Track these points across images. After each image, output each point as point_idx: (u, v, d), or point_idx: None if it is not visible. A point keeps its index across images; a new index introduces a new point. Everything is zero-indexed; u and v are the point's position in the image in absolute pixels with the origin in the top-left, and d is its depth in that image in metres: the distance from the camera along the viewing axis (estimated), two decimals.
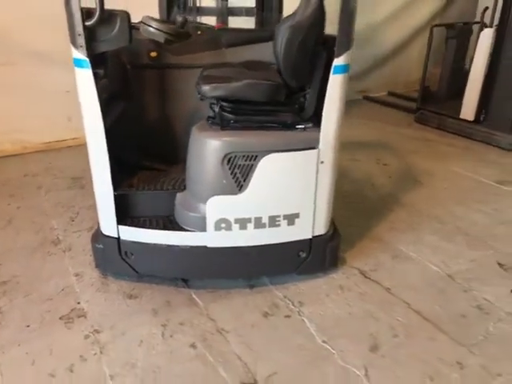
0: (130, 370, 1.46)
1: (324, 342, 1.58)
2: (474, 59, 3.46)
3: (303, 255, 1.80)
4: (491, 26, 3.36)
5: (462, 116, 3.62)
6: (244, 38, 1.80)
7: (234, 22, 2.33)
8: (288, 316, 1.70)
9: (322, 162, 1.64)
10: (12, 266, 1.96)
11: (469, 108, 3.57)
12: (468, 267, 1.99)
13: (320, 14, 1.51)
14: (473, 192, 2.69)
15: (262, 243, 1.72)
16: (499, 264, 2.01)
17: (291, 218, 1.70)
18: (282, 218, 1.69)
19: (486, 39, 3.36)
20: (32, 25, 2.59)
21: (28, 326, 1.63)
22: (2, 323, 1.65)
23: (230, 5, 2.14)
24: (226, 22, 2.18)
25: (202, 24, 1.98)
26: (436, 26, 3.83)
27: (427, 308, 1.74)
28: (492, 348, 1.56)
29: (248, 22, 2.29)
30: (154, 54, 1.75)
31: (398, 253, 2.09)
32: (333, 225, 1.89)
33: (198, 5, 2.11)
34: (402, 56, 4.98)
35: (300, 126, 1.62)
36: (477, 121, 3.54)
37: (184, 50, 1.75)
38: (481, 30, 3.42)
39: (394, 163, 3.13)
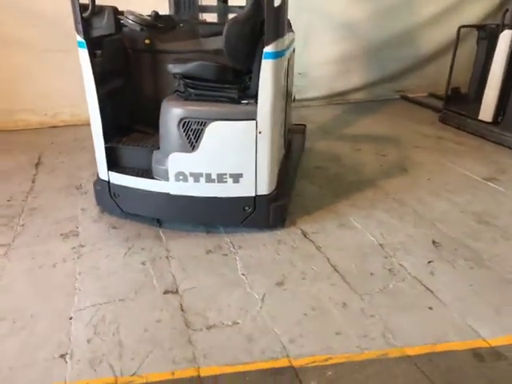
0: (93, 271, 1.97)
1: (243, 274, 1.95)
2: (493, 60, 3.48)
3: (248, 210, 2.17)
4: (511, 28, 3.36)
5: (480, 117, 3.64)
6: (215, 30, 2.22)
7: None
8: (225, 254, 2.09)
9: (259, 132, 2.00)
10: (42, 199, 2.61)
11: (487, 109, 3.58)
12: (402, 240, 2.20)
13: (255, 11, 1.88)
14: (453, 184, 2.80)
15: (213, 195, 2.13)
16: (433, 242, 2.19)
17: (236, 177, 2.09)
18: (228, 176, 2.09)
19: (505, 40, 3.37)
20: None
21: (38, 236, 2.24)
22: (22, 233, 2.27)
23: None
24: (225, 18, 2.61)
25: (185, 18, 2.44)
26: (464, 26, 3.86)
27: (343, 264, 2.02)
28: (381, 298, 1.80)
29: None
30: (147, 41, 2.25)
31: (345, 223, 2.36)
32: (279, 188, 2.23)
33: (200, 3, 2.58)
34: (446, 57, 4.96)
35: (244, 102, 2.00)
36: (494, 122, 3.55)
37: (170, 38, 2.24)
38: (501, 31, 3.43)
39: (393, 155, 3.31)
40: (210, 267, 2.00)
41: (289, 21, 2.37)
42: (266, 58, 1.87)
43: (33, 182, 2.84)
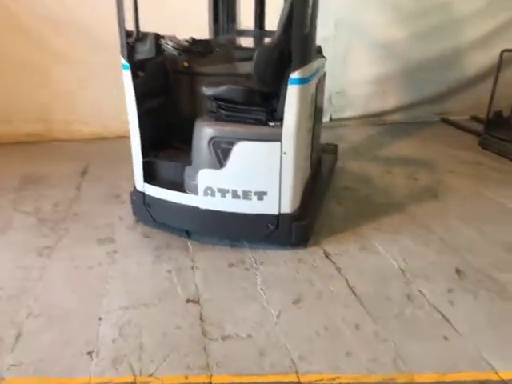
0: (123, 276, 2.12)
1: (261, 289, 2.03)
2: None
3: (271, 227, 2.26)
4: None
5: None
6: (248, 55, 2.33)
7: None
8: (247, 269, 2.18)
9: (284, 153, 2.09)
10: (85, 206, 2.83)
11: None
12: (424, 267, 2.20)
13: (283, 38, 1.98)
14: (485, 212, 2.75)
15: (238, 211, 2.24)
16: (457, 270, 2.17)
17: (260, 195, 2.19)
18: (253, 193, 2.19)
19: None
20: None
21: (78, 240, 2.43)
22: (65, 236, 2.47)
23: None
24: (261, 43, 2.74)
25: (223, 43, 2.58)
26: (507, 50, 3.78)
27: (361, 287, 2.05)
28: (396, 324, 1.82)
29: None
30: (186, 64, 2.41)
31: (368, 246, 2.38)
32: (303, 207, 2.30)
33: (238, 28, 2.73)
34: (490, 81, 4.84)
35: (271, 124, 2.11)
36: None
37: (206, 62, 2.39)
38: None
39: (425, 179, 3.28)
40: (231, 280, 2.10)
41: (319, 47, 2.47)
42: (292, 83, 1.97)
43: (78, 189, 3.07)
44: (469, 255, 2.28)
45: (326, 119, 4.60)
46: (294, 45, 1.90)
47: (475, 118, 4.84)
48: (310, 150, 2.42)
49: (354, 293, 2.00)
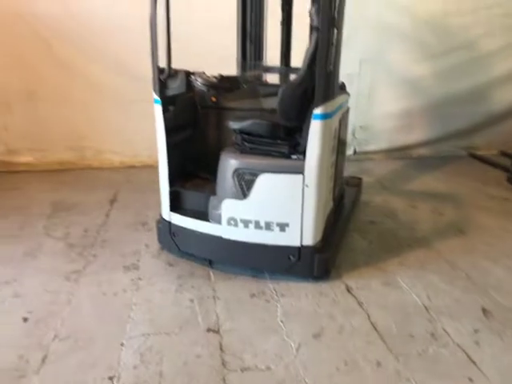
0: (146, 303, 2.16)
1: (281, 321, 2.03)
2: None
3: (293, 259, 2.27)
4: None
5: None
6: (274, 91, 2.42)
7: None
8: (267, 301, 2.19)
9: (306, 186, 2.13)
10: (112, 233, 2.92)
11: None
12: (449, 304, 2.15)
13: (307, 76, 2.05)
14: None
15: (260, 242, 2.27)
16: (483, 310, 2.11)
17: (282, 226, 2.22)
18: (275, 224, 2.22)
19: None
20: None
21: (104, 266, 2.50)
22: (93, 262, 2.55)
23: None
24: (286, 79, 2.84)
25: (250, 79, 2.69)
26: None
27: (383, 322, 2.02)
28: (418, 362, 1.78)
29: None
30: (214, 98, 2.53)
31: (391, 281, 2.35)
32: (325, 240, 2.31)
33: (264, 64, 2.85)
34: None
35: (294, 157, 2.16)
36: None
37: (233, 97, 2.49)
38: None
39: (451, 214, 3.24)
40: (251, 311, 2.11)
41: (343, 84, 2.54)
42: (315, 118, 2.03)
43: (107, 216, 3.18)
44: (496, 294, 2.22)
45: (349, 152, 4.65)
46: (318, 82, 1.97)
47: (504, 153, 4.78)
48: (333, 183, 2.45)
49: (375, 328, 1.98)
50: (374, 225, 3.05)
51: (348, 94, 2.63)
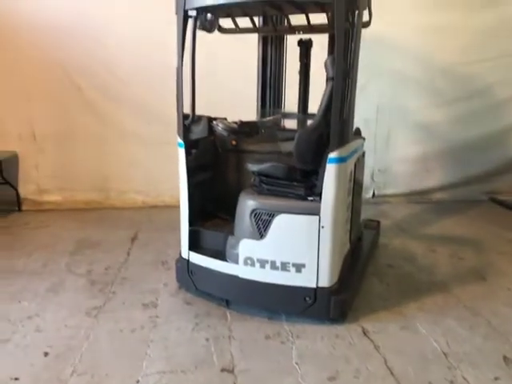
0: (163, 341, 2.19)
1: (296, 363, 2.01)
2: None
3: (309, 301, 2.28)
4: None
5: None
6: (291, 135, 2.53)
7: None
8: (283, 342, 2.18)
9: (322, 227, 2.18)
10: (133, 270, 2.99)
11: None
12: (469, 351, 2.10)
13: (322, 122, 2.15)
14: None
15: (276, 282, 2.29)
16: (504, 357, 2.05)
17: (298, 267, 2.25)
18: (291, 265, 2.25)
19: None
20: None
21: (123, 303, 2.56)
22: (112, 298, 2.61)
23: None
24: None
25: (268, 125, 2.81)
26: None
27: (400, 368, 1.98)
28: None
29: None
30: (234, 142, 2.65)
31: (409, 325, 2.32)
32: (342, 282, 2.31)
33: (282, 111, 2.98)
34: None
35: (310, 198, 2.22)
36: None
37: (252, 141, 2.61)
38: None
39: (471, 259, 3.19)
40: (266, 352, 2.10)
41: (358, 129, 2.63)
42: (330, 162, 2.11)
43: (128, 254, 3.27)
44: None
45: (368, 196, 4.69)
46: (333, 128, 2.07)
47: None
48: (349, 225, 2.48)
49: (392, 373, 1.94)
50: (392, 268, 3.03)
51: (363, 139, 2.72)
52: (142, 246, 3.44)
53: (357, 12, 2.08)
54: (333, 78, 2.06)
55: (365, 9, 2.30)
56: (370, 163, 4.65)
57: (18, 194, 4.26)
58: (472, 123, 4.50)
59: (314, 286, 2.25)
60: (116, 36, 4.06)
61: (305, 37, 2.90)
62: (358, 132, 2.68)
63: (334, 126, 2.07)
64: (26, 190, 4.33)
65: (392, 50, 4.34)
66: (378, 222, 3.50)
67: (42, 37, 4.03)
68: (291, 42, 2.99)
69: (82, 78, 4.17)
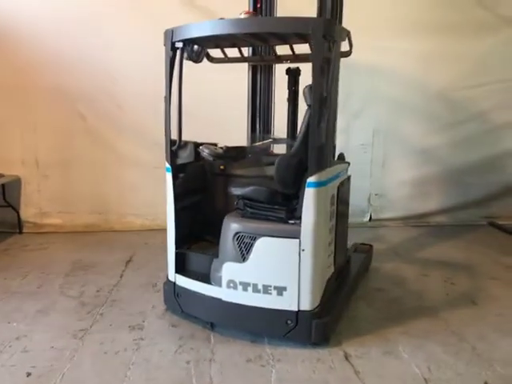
0: (144, 363, 2.20)
1: None
2: None
3: (291, 324, 2.28)
4: None
5: None
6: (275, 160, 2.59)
7: None
8: (263, 366, 2.18)
9: (303, 250, 2.20)
10: (123, 293, 3.03)
11: None
12: (450, 378, 2.07)
13: (301, 147, 2.21)
14: None
15: (258, 305, 2.30)
16: (485, 383, 2.01)
17: (280, 290, 2.26)
18: (272, 288, 2.27)
19: None
20: None
21: (110, 325, 2.59)
22: (99, 321, 2.65)
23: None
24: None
25: (256, 150, 2.88)
26: None
27: None
28: None
29: None
30: (222, 167, 2.72)
31: (392, 350, 2.30)
32: (324, 306, 2.32)
33: (272, 136, 3.06)
34: None
35: (291, 222, 2.26)
36: None
37: (239, 165, 2.68)
38: None
39: (464, 284, 3.16)
40: (245, 376, 2.10)
41: (342, 154, 2.69)
42: (308, 186, 2.15)
43: (120, 277, 3.31)
44: (501, 368, 2.12)
45: (365, 219, 4.71)
46: (310, 153, 2.12)
47: None
48: (333, 248, 2.50)
49: None
50: (381, 292, 3.02)
51: (348, 163, 2.76)
52: (136, 269, 3.48)
53: (334, 43, 2.16)
54: (310, 106, 2.13)
55: (343, 40, 2.38)
56: (366, 187, 4.71)
57: (19, 217, 4.37)
58: (469, 148, 4.52)
59: (295, 309, 2.26)
60: (118, 66, 4.23)
61: (293, 65, 2.99)
62: (341, 157, 2.74)
63: (312, 152, 2.12)
64: (27, 212, 4.44)
65: (387, 76, 4.43)
66: (371, 246, 3.50)
67: (47, 68, 4.21)
68: (281, 69, 3.08)
69: (86, 108, 4.33)
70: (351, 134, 4.51)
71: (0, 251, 3.93)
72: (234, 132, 3.19)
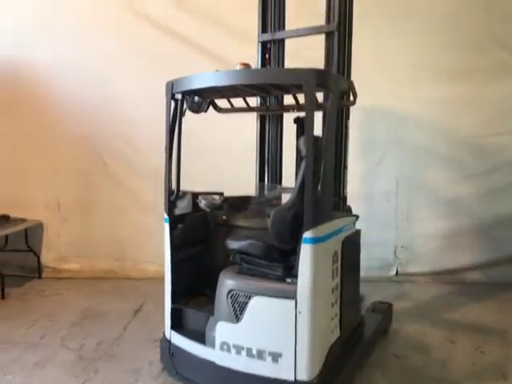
0: None
1: None
2: None
3: None
4: None
5: None
6: None
7: None
8: None
9: (299, 312, 2.02)
10: (124, 347, 2.92)
11: None
12: None
13: (298, 200, 2.08)
14: None
15: (252, 372, 2.11)
16: None
17: (275, 356, 2.07)
18: (267, 353, 2.08)
19: None
20: None
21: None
22: (92, 378, 2.53)
23: None
24: None
25: (263, 200, 2.77)
26: None
27: None
28: None
29: None
30: (224, 217, 2.62)
31: None
32: (325, 376, 2.09)
33: (280, 187, 2.95)
34: None
35: (288, 280, 2.09)
36: None
37: (241, 216, 2.57)
38: None
39: (494, 353, 2.81)
40: None
41: (349, 207, 2.53)
42: (305, 242, 2.00)
43: (125, 329, 3.21)
44: None
45: (392, 273, 4.41)
46: (306, 207, 1.99)
47: None
48: (338, 310, 2.29)
49: None
50: (399, 360, 2.72)
51: (355, 216, 2.58)
52: (142, 320, 3.37)
53: (330, 94, 2.07)
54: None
55: (341, 90, 2.30)
56: (391, 239, 4.45)
57: (39, 262, 4.42)
58: (500, 198, 4.19)
59: (291, 378, 2.05)
60: (138, 114, 4.35)
61: (302, 114, 2.93)
62: (348, 210, 2.57)
63: (307, 205, 1.99)
64: (47, 257, 4.50)
65: (410, 123, 4.28)
66: (390, 305, 3.22)
67: (70, 116, 4.41)
68: (290, 117, 3.02)
69: (107, 153, 4.45)
70: (373, 181, 4.34)
71: (17, 296, 3.96)
72: (240, 181, 3.11)
